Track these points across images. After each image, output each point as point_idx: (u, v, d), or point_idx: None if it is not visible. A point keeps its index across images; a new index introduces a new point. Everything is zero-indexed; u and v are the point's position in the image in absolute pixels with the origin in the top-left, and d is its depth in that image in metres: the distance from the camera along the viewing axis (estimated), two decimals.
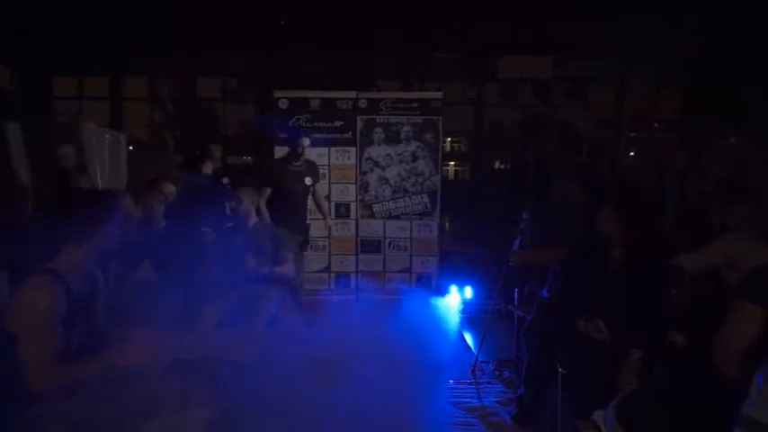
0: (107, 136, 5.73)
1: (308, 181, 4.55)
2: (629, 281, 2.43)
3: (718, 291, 2.63)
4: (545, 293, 3.77)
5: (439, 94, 5.27)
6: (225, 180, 4.93)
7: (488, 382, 3.45)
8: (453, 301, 4.72)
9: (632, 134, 10.65)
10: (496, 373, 3.58)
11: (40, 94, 8.83)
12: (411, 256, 5.26)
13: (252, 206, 3.50)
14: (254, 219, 3.49)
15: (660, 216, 3.65)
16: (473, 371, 3.59)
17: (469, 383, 3.44)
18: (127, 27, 7.38)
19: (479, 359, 3.70)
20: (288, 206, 4.33)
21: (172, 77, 9.91)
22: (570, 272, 2.75)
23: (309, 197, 4.69)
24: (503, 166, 10.48)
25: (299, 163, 4.51)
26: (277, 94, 5.22)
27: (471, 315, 4.59)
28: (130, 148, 9.31)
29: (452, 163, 12.73)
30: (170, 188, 3.44)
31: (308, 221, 4.74)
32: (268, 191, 4.28)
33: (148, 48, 8.15)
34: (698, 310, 2.63)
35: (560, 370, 2.46)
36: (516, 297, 3.71)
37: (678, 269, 2.70)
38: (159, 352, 1.92)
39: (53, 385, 1.73)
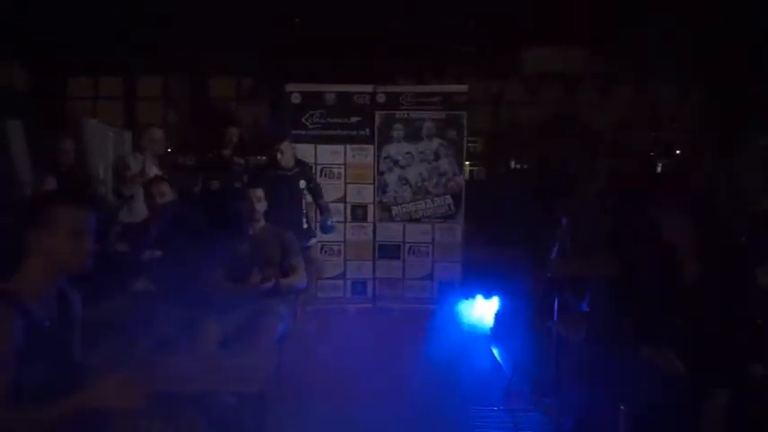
0: (110, 133, 5.44)
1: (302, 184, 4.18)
2: (708, 301, 2.02)
3: None
4: (584, 307, 3.37)
5: (463, 87, 4.88)
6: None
7: (525, 410, 3.04)
8: (480, 312, 4.32)
9: (653, 134, 10.23)
10: (534, 398, 3.17)
11: (56, 94, 8.76)
12: (433, 262, 4.87)
13: (261, 209, 3.13)
14: (261, 223, 3.13)
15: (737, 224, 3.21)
16: (507, 395, 3.19)
17: (503, 411, 3.04)
18: (140, 27, 7.21)
19: (512, 378, 3.30)
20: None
21: (186, 77, 9.77)
22: (628, 289, 2.34)
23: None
24: (518, 166, 10.12)
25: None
26: (289, 87, 4.86)
27: (501, 328, 4.17)
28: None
29: (467, 163, 12.38)
30: (163, 189, 3.09)
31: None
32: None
33: (162, 47, 7.99)
34: None
35: (623, 409, 2.06)
36: (556, 311, 3.30)
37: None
38: (143, 393, 1.55)
39: None
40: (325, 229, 4.32)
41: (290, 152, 4.15)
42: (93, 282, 2.96)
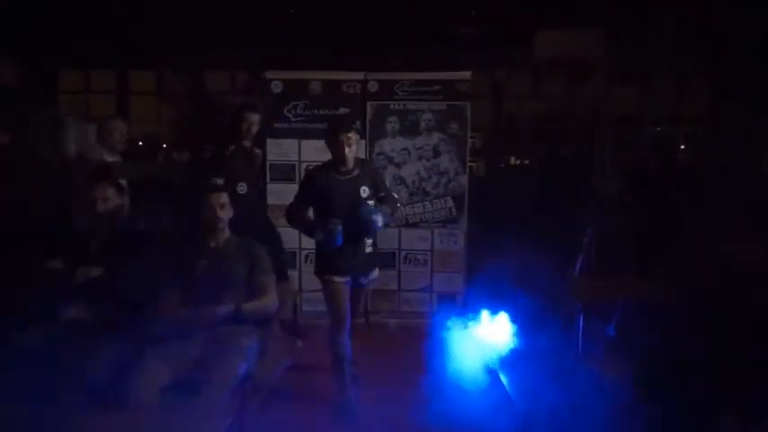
0: (73, 125, 4.93)
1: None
2: None
3: None
4: (611, 331, 2.88)
5: (466, 74, 4.33)
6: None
7: None
8: (486, 331, 3.80)
9: (657, 129, 9.79)
10: None
11: (47, 88, 8.51)
12: (432, 272, 4.36)
13: (225, 216, 2.59)
14: (225, 234, 2.59)
15: None
16: None
17: None
18: (133, 20, 6.91)
19: (527, 416, 2.79)
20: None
21: (182, 72, 9.56)
22: (686, 325, 1.81)
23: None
24: (518, 162, 9.72)
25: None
26: (269, 75, 4.33)
27: (511, 351, 3.65)
28: (140, 143, 8.83)
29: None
30: (107, 193, 2.56)
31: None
32: None
33: (155, 41, 7.66)
34: None
35: None
36: (580, 335, 2.78)
37: None
38: None
39: None
40: (384, 216, 2.94)
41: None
42: (15, 308, 2.43)
